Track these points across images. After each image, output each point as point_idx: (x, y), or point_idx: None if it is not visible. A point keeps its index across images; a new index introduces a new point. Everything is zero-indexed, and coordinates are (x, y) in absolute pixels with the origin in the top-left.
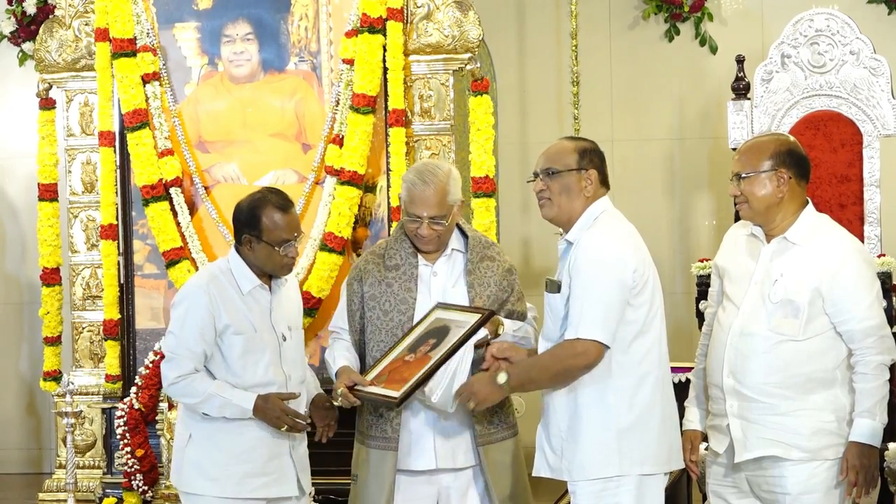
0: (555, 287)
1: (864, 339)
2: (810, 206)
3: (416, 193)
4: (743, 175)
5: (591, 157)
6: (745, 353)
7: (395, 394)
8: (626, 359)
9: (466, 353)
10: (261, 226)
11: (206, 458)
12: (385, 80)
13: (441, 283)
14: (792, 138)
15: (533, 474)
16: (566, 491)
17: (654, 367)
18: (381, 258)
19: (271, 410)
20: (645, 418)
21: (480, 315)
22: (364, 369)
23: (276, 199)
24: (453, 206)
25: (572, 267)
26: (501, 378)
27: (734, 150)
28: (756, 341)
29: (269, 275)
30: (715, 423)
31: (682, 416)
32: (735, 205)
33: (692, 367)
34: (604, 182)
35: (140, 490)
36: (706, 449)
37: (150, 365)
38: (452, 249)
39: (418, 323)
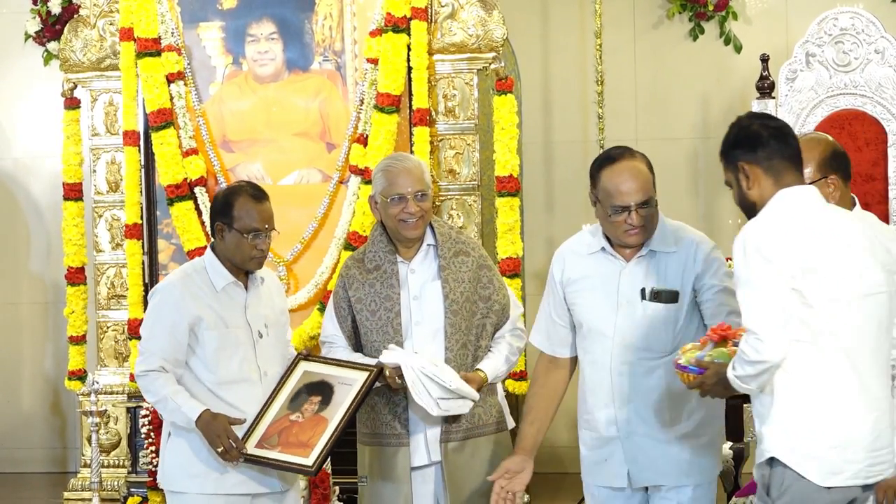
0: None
1: None
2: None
3: (397, 172)
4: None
5: None
6: None
7: (306, 461)
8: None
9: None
10: (232, 213)
11: (186, 456)
12: (409, 79)
13: (418, 280)
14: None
15: None
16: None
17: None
18: (361, 262)
19: (214, 427)
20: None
21: (369, 372)
22: None
23: (251, 189)
24: (430, 186)
25: None
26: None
27: None
28: None
29: (245, 272)
30: None
31: None
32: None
33: None
34: None
35: None
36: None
37: None
38: (427, 245)
39: (285, 378)
